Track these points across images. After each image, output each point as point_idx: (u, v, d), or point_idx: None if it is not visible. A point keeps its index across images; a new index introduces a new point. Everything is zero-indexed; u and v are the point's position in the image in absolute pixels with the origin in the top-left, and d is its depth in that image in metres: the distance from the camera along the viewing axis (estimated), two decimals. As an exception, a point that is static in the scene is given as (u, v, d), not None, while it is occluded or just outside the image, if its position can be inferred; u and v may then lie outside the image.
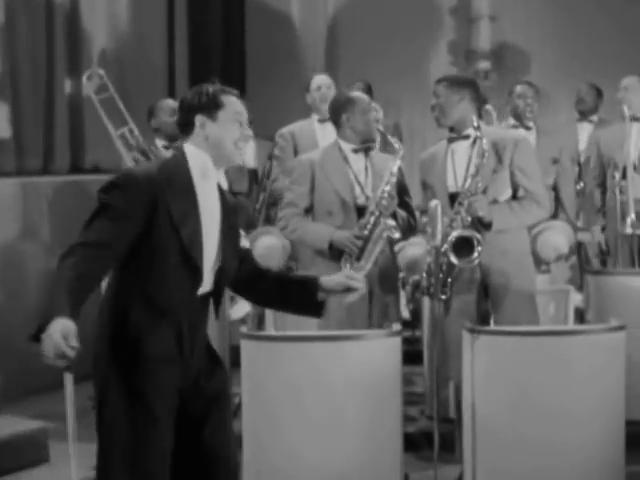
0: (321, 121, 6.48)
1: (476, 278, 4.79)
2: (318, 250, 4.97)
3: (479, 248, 4.62)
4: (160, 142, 6.43)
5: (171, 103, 6.48)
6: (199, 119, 3.28)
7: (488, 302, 4.85)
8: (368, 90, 7.96)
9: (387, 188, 4.90)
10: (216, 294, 3.33)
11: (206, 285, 3.28)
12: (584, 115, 7.66)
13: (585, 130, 7.63)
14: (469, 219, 4.70)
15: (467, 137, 4.84)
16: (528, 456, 4.33)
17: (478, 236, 4.64)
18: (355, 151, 5.07)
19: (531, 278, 4.92)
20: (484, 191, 4.74)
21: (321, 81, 6.73)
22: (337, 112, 5.07)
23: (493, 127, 5.10)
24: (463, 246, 4.64)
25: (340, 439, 4.26)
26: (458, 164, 4.83)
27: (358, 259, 4.86)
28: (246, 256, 3.52)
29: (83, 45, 7.74)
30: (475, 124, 4.75)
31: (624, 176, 6.14)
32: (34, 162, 7.30)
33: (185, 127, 3.31)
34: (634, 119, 6.26)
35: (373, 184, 5.01)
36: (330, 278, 3.43)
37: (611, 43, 9.02)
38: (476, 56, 9.36)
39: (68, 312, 2.92)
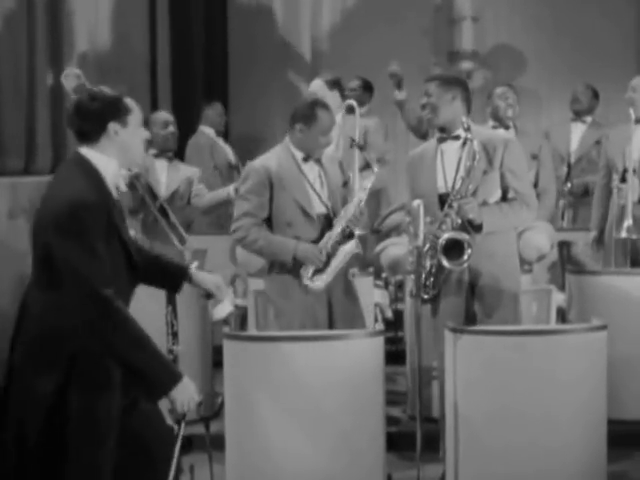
0: None
1: (465, 280, 4.77)
2: (278, 262, 4.83)
3: (469, 251, 4.61)
4: (151, 150, 6.45)
5: (164, 115, 6.58)
6: (112, 127, 3.27)
7: (475, 303, 4.84)
8: (367, 87, 7.99)
9: (362, 205, 4.84)
10: None
11: None
12: (578, 115, 7.65)
13: (578, 130, 7.63)
14: (459, 221, 4.68)
15: (457, 137, 4.80)
16: (510, 456, 4.34)
17: (468, 238, 4.62)
18: (305, 159, 4.90)
19: (517, 280, 4.91)
20: (474, 193, 4.72)
21: (316, 87, 6.82)
22: (295, 118, 4.87)
23: (483, 127, 5.05)
24: (453, 248, 4.63)
25: (322, 439, 4.26)
26: (448, 165, 4.79)
27: (320, 272, 4.76)
28: None
29: (65, 44, 7.70)
30: (465, 125, 4.73)
31: (623, 179, 6.08)
32: (15, 162, 7.26)
33: (91, 134, 3.28)
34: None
35: (329, 192, 4.90)
36: (201, 275, 3.62)
37: (595, 41, 9.06)
38: (459, 57, 9.38)
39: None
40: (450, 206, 4.68)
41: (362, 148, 6.29)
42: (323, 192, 4.90)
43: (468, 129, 4.72)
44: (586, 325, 4.67)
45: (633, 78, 6.37)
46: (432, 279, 4.74)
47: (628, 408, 5.38)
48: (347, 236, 4.83)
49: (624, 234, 5.95)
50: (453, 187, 4.71)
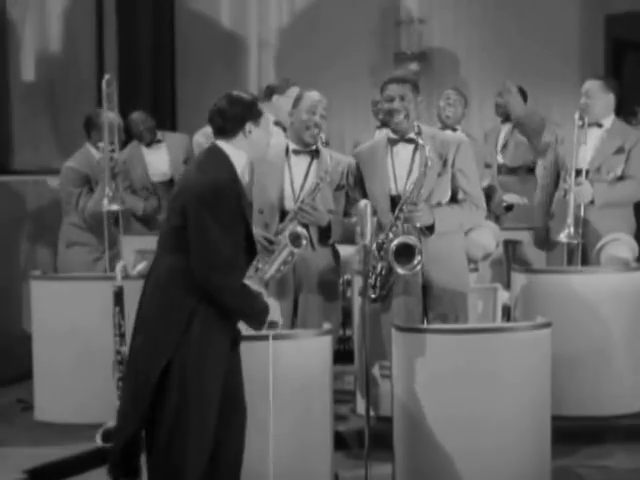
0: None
1: (418, 280, 4.78)
2: None
3: (419, 257, 4.60)
4: None
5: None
6: (248, 126, 3.79)
7: (427, 305, 4.85)
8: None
9: (308, 199, 4.81)
10: None
11: None
12: (507, 118, 7.66)
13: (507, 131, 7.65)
14: (407, 227, 4.68)
15: (410, 141, 4.78)
16: (457, 453, 4.38)
17: (419, 244, 4.62)
18: (296, 152, 4.93)
19: (465, 281, 4.95)
20: (429, 196, 4.72)
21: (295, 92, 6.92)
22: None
23: (434, 129, 5.01)
24: (404, 252, 4.63)
25: (270, 437, 4.26)
26: (399, 167, 4.78)
27: (265, 264, 4.68)
28: None
29: (11, 46, 7.65)
30: (417, 129, 4.74)
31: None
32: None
33: (229, 131, 3.80)
34: (596, 125, 6.05)
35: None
36: None
37: (541, 43, 9.15)
38: (405, 58, 9.44)
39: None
40: (401, 210, 4.69)
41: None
42: (305, 187, 4.87)
43: (419, 133, 4.72)
44: (531, 323, 4.72)
45: (585, 82, 6.19)
46: (380, 280, 4.75)
47: (571, 404, 5.45)
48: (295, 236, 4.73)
49: (564, 239, 5.93)
50: (404, 189, 4.71)
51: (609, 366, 5.58)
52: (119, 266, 4.49)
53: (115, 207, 6.15)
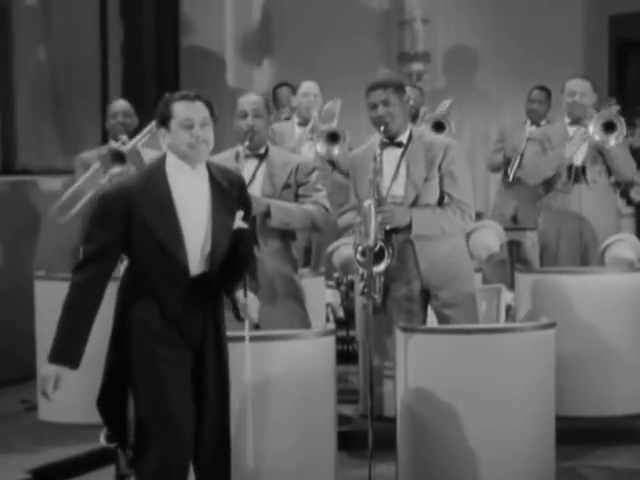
0: (300, 124, 7.04)
1: (416, 287, 4.78)
2: None
3: (389, 252, 4.61)
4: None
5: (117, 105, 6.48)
6: (160, 132, 3.69)
7: (433, 309, 4.86)
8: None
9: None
10: (208, 276, 3.63)
11: (193, 269, 3.62)
12: (535, 121, 7.63)
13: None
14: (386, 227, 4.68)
15: (400, 144, 4.78)
16: (460, 453, 4.38)
17: (386, 246, 4.62)
18: (246, 155, 4.87)
19: (470, 282, 4.90)
20: (416, 200, 4.71)
21: (309, 88, 6.98)
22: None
23: (426, 131, 5.01)
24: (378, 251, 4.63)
25: (273, 438, 4.27)
26: (385, 171, 4.77)
27: None
28: (240, 238, 3.70)
29: (15, 46, 7.65)
30: (410, 132, 4.75)
31: (575, 181, 6.11)
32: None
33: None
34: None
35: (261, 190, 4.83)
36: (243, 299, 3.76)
37: (544, 42, 9.15)
38: (409, 58, 9.44)
39: None
40: (377, 212, 4.61)
41: None
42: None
43: (411, 137, 4.74)
44: (535, 323, 4.73)
45: (571, 80, 6.24)
46: (367, 285, 4.71)
47: (575, 405, 5.46)
48: None
49: None
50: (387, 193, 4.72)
51: (613, 366, 5.59)
52: (123, 265, 4.48)
53: None
